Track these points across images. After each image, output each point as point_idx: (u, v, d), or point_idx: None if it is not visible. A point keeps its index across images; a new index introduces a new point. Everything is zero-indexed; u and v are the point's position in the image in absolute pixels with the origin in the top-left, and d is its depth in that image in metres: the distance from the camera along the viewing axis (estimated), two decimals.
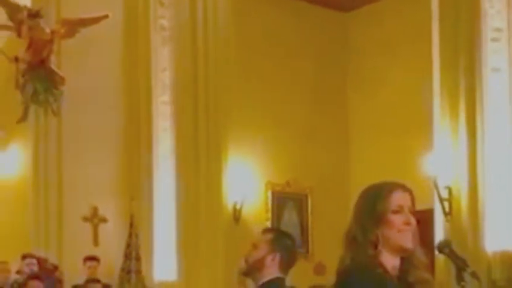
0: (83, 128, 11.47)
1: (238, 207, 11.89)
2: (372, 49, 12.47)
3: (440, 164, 9.19)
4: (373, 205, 2.99)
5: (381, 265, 2.96)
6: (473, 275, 3.11)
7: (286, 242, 4.42)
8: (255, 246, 4.27)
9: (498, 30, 8.65)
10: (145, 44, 11.66)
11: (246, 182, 11.96)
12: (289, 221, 12.64)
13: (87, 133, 11.50)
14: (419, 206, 9.72)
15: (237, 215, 11.89)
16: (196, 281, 11.17)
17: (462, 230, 8.96)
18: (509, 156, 8.59)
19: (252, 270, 4.33)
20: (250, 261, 4.27)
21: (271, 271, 4.29)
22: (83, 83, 11.39)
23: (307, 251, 12.64)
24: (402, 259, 3.02)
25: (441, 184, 9.15)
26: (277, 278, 4.37)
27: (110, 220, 11.74)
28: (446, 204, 9.11)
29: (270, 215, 12.50)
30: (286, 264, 4.30)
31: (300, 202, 12.68)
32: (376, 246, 2.96)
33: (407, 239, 2.97)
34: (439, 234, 9.28)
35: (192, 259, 11.21)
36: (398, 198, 3.00)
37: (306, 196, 12.63)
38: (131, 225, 11.23)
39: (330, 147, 12.69)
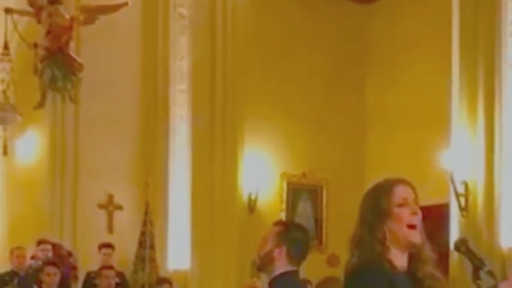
0: (100, 115, 11.49)
1: (253, 197, 11.92)
2: (391, 43, 12.41)
3: (457, 159, 9.14)
4: (377, 202, 2.99)
5: (389, 261, 2.95)
6: (490, 273, 3.12)
7: (295, 235, 4.39)
8: (264, 240, 4.26)
9: None
10: (164, 32, 11.68)
11: (262, 173, 11.97)
12: (304, 212, 12.64)
13: (104, 120, 11.53)
14: (435, 201, 9.75)
15: (251, 206, 11.91)
16: (210, 270, 11.19)
17: (477, 226, 8.91)
18: None
19: (263, 264, 4.32)
20: (260, 255, 4.27)
21: (280, 264, 4.27)
22: (101, 70, 11.41)
23: (321, 243, 12.63)
24: (410, 255, 3.02)
25: (458, 179, 9.10)
26: (289, 272, 4.35)
27: (125, 208, 11.77)
28: (462, 199, 9.06)
29: (284, 206, 12.50)
30: (296, 257, 4.27)
31: (314, 194, 12.67)
32: (383, 243, 2.96)
33: (414, 234, 2.97)
34: (455, 229, 9.25)
35: (206, 249, 11.23)
36: (402, 192, 3.00)
37: (321, 188, 12.62)
38: (146, 213, 11.27)
39: (345, 139, 12.66)
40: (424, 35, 11.70)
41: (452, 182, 9.08)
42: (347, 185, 12.23)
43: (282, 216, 12.45)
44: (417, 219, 2.99)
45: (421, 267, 3.01)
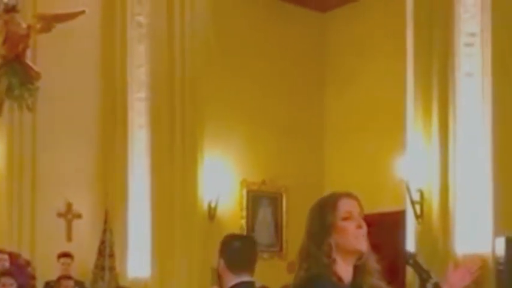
0: (58, 123, 11.43)
1: (213, 205, 11.89)
2: (349, 49, 12.50)
3: (412, 167, 9.23)
4: (322, 216, 3.05)
5: (336, 274, 3.00)
6: (436, 286, 3.19)
7: (232, 245, 4.42)
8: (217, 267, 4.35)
9: (472, 35, 8.68)
10: (122, 40, 11.65)
11: (222, 180, 11.97)
12: (264, 219, 12.67)
13: (63, 129, 11.47)
14: (392, 208, 9.83)
15: (212, 213, 11.89)
16: (171, 278, 11.17)
17: (433, 233, 9.01)
18: (480, 160, 8.64)
19: (220, 284, 4.38)
20: (219, 285, 4.35)
21: (227, 278, 4.31)
22: (59, 79, 11.35)
23: (281, 250, 12.67)
24: (355, 267, 3.07)
25: (413, 187, 9.19)
26: (239, 284, 4.37)
27: (84, 216, 11.72)
28: (417, 206, 9.15)
29: (244, 213, 12.51)
30: (237, 267, 4.29)
31: (274, 201, 12.71)
32: (329, 256, 3.01)
33: (361, 242, 3.03)
34: (411, 237, 9.34)
35: (166, 257, 11.20)
36: (346, 205, 3.06)
37: (281, 195, 12.67)
38: (105, 221, 11.22)
39: (305, 147, 12.72)
40: (380, 43, 11.80)
41: (408, 189, 9.17)
42: (307, 192, 12.28)
43: (243, 223, 12.47)
44: (362, 233, 3.05)
45: (366, 279, 3.07)
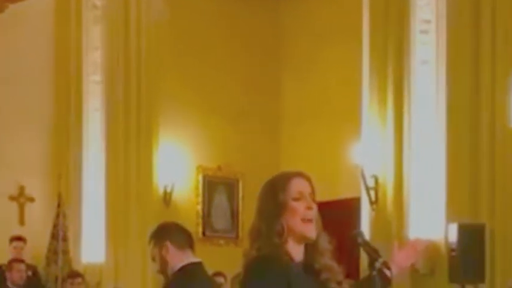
0: (11, 106, 11.32)
1: (168, 190, 11.85)
2: (305, 34, 12.48)
3: (367, 153, 9.27)
4: (274, 195, 3.05)
5: (287, 253, 2.99)
6: (385, 264, 3.18)
7: (170, 226, 4.49)
8: (153, 259, 4.36)
9: (427, 22, 8.72)
10: (77, 22, 11.53)
11: (177, 165, 11.91)
12: (220, 205, 12.63)
13: (16, 111, 11.34)
14: (348, 194, 9.85)
15: (167, 198, 11.86)
16: (125, 263, 11.11)
17: (387, 219, 9.06)
18: (434, 147, 8.70)
19: (164, 272, 4.38)
20: (161, 272, 4.35)
21: (173, 260, 4.31)
22: (12, 61, 11.23)
23: (237, 236, 12.65)
24: (307, 246, 3.07)
25: (368, 173, 9.23)
26: (187, 265, 4.37)
27: (37, 199, 11.61)
28: (372, 193, 9.19)
29: (200, 199, 12.46)
30: (183, 244, 4.34)
31: (231, 187, 12.67)
32: (281, 236, 2.99)
33: (309, 228, 3.03)
34: (365, 223, 9.39)
35: (121, 242, 11.14)
36: (298, 185, 3.07)
37: (237, 181, 12.62)
38: (59, 205, 11.14)
39: (261, 133, 12.69)
40: (336, 30, 11.80)
41: (363, 176, 9.20)
42: (263, 178, 12.19)
43: (199, 209, 12.43)
44: (312, 214, 3.03)
45: (317, 259, 3.07)
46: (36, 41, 11.48)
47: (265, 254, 2.98)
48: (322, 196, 11.63)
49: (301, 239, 3.04)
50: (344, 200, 10.68)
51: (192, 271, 4.35)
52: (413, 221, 8.85)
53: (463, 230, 8.30)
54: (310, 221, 3.05)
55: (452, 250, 8.34)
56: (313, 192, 3.11)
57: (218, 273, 9.35)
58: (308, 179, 3.12)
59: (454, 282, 8.40)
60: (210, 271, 9.25)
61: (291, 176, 3.10)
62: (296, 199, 3.04)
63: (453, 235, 8.34)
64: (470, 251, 8.28)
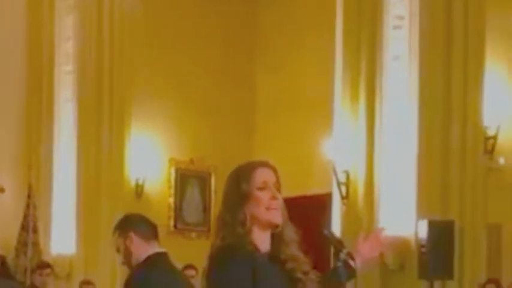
0: None
1: (140, 182, 11.81)
2: (279, 30, 12.46)
3: (339, 148, 9.27)
4: (238, 185, 3.03)
5: (252, 243, 2.98)
6: (349, 255, 3.21)
7: (133, 217, 4.47)
8: (118, 250, 4.33)
9: (400, 18, 8.74)
10: (49, 12, 11.44)
11: (150, 158, 11.87)
12: (192, 199, 12.59)
13: None
14: (319, 190, 9.84)
15: (139, 191, 11.82)
16: (95, 255, 11.05)
17: (358, 215, 9.07)
18: (406, 143, 8.71)
19: (129, 264, 4.36)
20: (126, 263, 4.32)
21: (138, 251, 4.29)
22: None
23: (209, 230, 12.61)
24: (273, 236, 3.05)
25: (340, 168, 9.23)
26: (153, 255, 4.35)
27: (7, 190, 11.50)
28: (343, 188, 9.20)
29: (172, 191, 12.42)
30: (148, 234, 4.32)
31: (203, 180, 12.62)
32: (244, 225, 2.98)
33: (275, 215, 3.01)
34: (336, 218, 9.39)
35: (92, 233, 11.08)
36: (262, 175, 3.04)
37: (210, 174, 12.58)
38: (29, 195, 11.07)
39: (235, 126, 12.66)
40: (310, 25, 11.80)
41: (334, 171, 9.21)
42: None
43: (170, 202, 12.39)
44: (276, 204, 3.02)
45: (283, 249, 3.05)
46: (8, 30, 11.38)
47: (229, 243, 2.96)
48: (295, 191, 11.68)
49: (266, 226, 3.02)
50: (316, 195, 10.69)
51: (157, 261, 4.32)
52: (384, 217, 8.87)
53: (433, 226, 8.33)
54: (275, 209, 3.03)
55: (422, 246, 8.37)
56: (278, 182, 3.08)
57: (189, 266, 9.33)
58: (273, 169, 3.10)
59: (423, 279, 8.43)
60: (181, 264, 9.33)
61: (256, 166, 3.08)
62: (260, 189, 3.01)
63: (423, 231, 8.37)
64: (439, 248, 8.31)
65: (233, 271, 2.92)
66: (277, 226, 3.03)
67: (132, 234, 4.31)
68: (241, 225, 2.98)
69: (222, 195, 3.10)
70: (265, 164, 3.10)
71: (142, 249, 4.30)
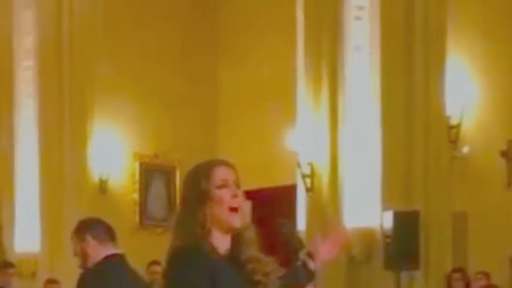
0: None
1: (104, 178, 11.69)
2: (241, 24, 12.41)
3: (302, 141, 9.24)
4: (197, 184, 2.94)
5: (210, 244, 2.91)
6: (309, 254, 3.13)
7: (89, 221, 4.47)
8: (75, 254, 4.36)
9: (361, 8, 8.70)
10: (8, 7, 11.28)
11: (113, 153, 11.75)
12: (157, 193, 12.48)
13: None
14: (283, 182, 9.82)
15: (103, 186, 11.72)
16: (60, 253, 10.92)
17: (323, 206, 9.04)
18: (369, 134, 8.70)
19: (85, 266, 4.36)
20: (83, 267, 4.32)
21: (94, 254, 4.29)
22: None
23: None
24: (234, 237, 2.98)
25: (304, 160, 9.20)
26: (108, 256, 4.31)
27: None
28: (308, 180, 9.16)
29: (137, 186, 12.31)
30: (103, 236, 4.32)
31: (168, 174, 12.51)
32: (204, 226, 2.91)
33: (234, 217, 2.94)
34: (302, 210, 9.37)
35: (56, 231, 10.97)
36: (222, 173, 2.96)
37: (174, 168, 12.47)
38: None
39: (199, 120, 12.57)
40: (272, 18, 11.76)
41: (298, 163, 9.18)
42: None
43: (135, 197, 12.29)
44: (238, 202, 2.95)
45: (243, 250, 2.97)
46: None
47: (187, 245, 2.88)
48: (260, 183, 11.61)
49: (226, 228, 2.94)
50: (281, 187, 10.65)
51: (110, 262, 4.29)
52: (349, 208, 8.86)
53: (398, 216, 8.33)
54: (236, 209, 2.95)
55: (387, 237, 8.36)
56: (237, 180, 3.01)
57: (154, 262, 9.26)
58: (232, 167, 3.03)
59: (389, 270, 8.42)
60: (147, 260, 9.26)
61: (214, 164, 3.00)
62: (220, 187, 2.93)
63: (388, 222, 8.37)
64: (405, 238, 8.31)
65: (191, 274, 2.84)
66: (236, 229, 2.95)
67: (88, 237, 4.32)
68: (200, 226, 2.90)
69: (180, 194, 3.03)
70: (224, 163, 3.02)
71: (99, 251, 4.30)
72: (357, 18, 8.72)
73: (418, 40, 8.46)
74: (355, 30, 8.73)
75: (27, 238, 11.21)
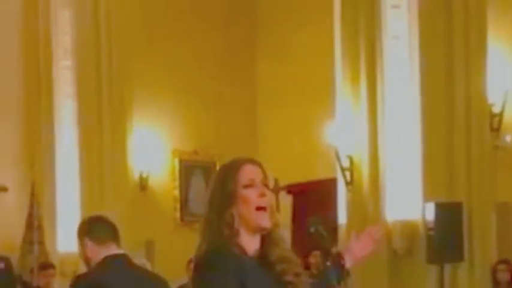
0: None
1: (144, 175, 11.71)
2: (279, 18, 12.37)
3: (341, 133, 9.12)
4: (224, 184, 2.88)
5: (239, 245, 2.84)
6: (339, 254, 3.02)
7: (86, 222, 4.38)
8: (80, 257, 4.29)
9: None
10: (45, 6, 11.32)
11: (153, 150, 11.77)
12: (197, 189, 12.45)
13: None
14: (322, 176, 9.71)
15: (143, 184, 11.75)
16: None
17: (363, 200, 8.91)
18: (409, 125, 8.54)
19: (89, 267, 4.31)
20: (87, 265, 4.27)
21: (95, 256, 4.22)
22: None
23: None
24: (263, 238, 2.90)
25: (343, 153, 9.08)
26: (109, 257, 4.25)
27: (10, 189, 11.43)
28: (347, 173, 9.04)
29: (177, 183, 12.31)
30: (103, 238, 4.23)
31: (208, 170, 12.48)
32: (231, 227, 2.83)
33: (263, 216, 2.86)
34: (342, 204, 9.25)
35: None
36: (248, 172, 2.89)
37: (214, 164, 12.42)
38: (32, 194, 10.99)
39: (237, 115, 12.54)
40: (309, 10, 11.67)
41: (337, 156, 9.06)
42: None
43: (176, 193, 12.29)
44: (266, 201, 2.87)
45: (273, 251, 2.90)
46: (4, 26, 11.31)
47: (216, 247, 2.81)
48: (300, 177, 11.53)
49: (255, 229, 2.87)
50: (321, 181, 10.55)
51: (109, 263, 4.20)
52: (390, 201, 8.71)
53: (440, 208, 8.17)
54: (264, 208, 2.87)
55: (430, 229, 8.21)
56: (265, 178, 2.93)
57: None
58: (259, 165, 2.95)
59: (432, 263, 8.27)
60: (188, 256, 9.21)
61: (240, 163, 2.92)
62: (247, 186, 2.86)
63: (430, 214, 8.21)
64: (448, 230, 8.15)
65: (220, 278, 2.77)
66: (265, 229, 2.88)
67: (86, 240, 4.25)
68: (228, 227, 2.83)
69: (208, 195, 2.94)
70: (250, 161, 2.94)
71: (99, 253, 4.22)
72: (395, 6, 8.56)
73: (457, 27, 8.26)
74: (392, 18, 8.58)
75: (69, 238, 11.23)
